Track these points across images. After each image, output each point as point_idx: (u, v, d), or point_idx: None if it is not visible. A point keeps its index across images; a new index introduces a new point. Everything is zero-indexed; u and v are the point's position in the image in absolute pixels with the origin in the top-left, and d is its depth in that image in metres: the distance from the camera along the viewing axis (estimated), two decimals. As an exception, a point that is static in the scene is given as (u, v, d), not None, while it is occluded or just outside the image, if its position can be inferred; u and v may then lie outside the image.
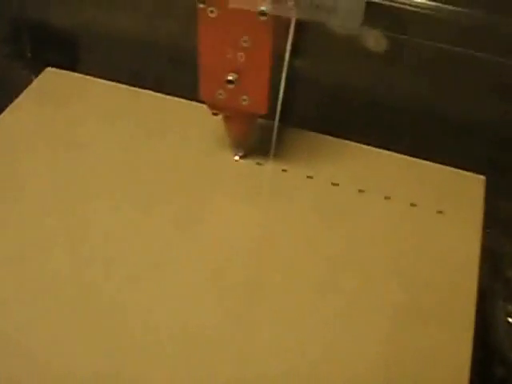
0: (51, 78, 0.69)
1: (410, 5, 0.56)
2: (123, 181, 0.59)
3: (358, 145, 0.64)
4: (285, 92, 0.54)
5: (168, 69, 0.71)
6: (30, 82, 0.68)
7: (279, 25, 0.51)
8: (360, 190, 0.59)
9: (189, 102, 0.65)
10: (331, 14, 0.48)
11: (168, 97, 0.67)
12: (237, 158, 0.62)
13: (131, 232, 0.54)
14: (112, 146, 0.62)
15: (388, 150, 0.63)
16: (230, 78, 0.53)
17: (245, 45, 0.52)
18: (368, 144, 0.63)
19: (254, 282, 0.52)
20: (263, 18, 0.50)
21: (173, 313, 0.49)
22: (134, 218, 0.56)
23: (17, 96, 0.66)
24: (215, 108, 0.58)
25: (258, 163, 0.61)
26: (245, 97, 0.55)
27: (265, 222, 0.57)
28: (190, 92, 0.59)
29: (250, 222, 0.57)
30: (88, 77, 0.69)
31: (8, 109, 0.65)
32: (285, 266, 0.53)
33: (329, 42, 0.62)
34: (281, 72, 0.54)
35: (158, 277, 0.51)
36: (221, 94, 0.55)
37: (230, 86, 0.54)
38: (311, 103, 0.68)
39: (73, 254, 0.52)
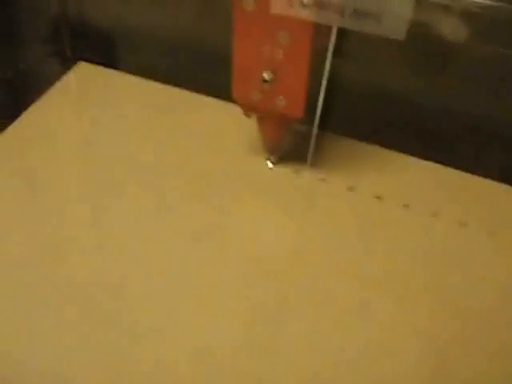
0: (83, 73, 0.67)
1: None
2: (149, 186, 0.56)
3: (403, 155, 0.60)
4: (325, 97, 0.50)
5: (207, 68, 0.67)
6: (64, 72, 0.67)
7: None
8: (405, 205, 0.55)
9: (225, 102, 0.62)
10: (376, 23, 0.44)
11: (204, 97, 0.65)
12: (270, 164, 0.58)
13: (152, 240, 0.52)
14: (140, 148, 0.60)
15: (431, 160, 0.60)
16: (265, 76, 0.50)
17: (282, 41, 0.48)
18: (412, 154, 0.60)
19: (283, 302, 0.49)
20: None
21: (190, 332, 0.46)
22: (156, 225, 0.53)
23: (49, 86, 0.65)
24: (248, 109, 0.54)
25: (295, 171, 0.58)
26: (280, 97, 0.51)
27: (298, 236, 0.54)
28: (227, 92, 0.55)
29: (282, 236, 0.54)
30: (121, 72, 0.67)
31: (36, 104, 0.63)
32: (316, 285, 0.49)
33: (373, 47, 0.59)
34: (319, 76, 0.51)
35: (179, 292, 0.48)
36: (255, 94, 0.52)
37: (266, 86, 0.50)
38: (352, 110, 0.64)
39: (89, 262, 0.50)
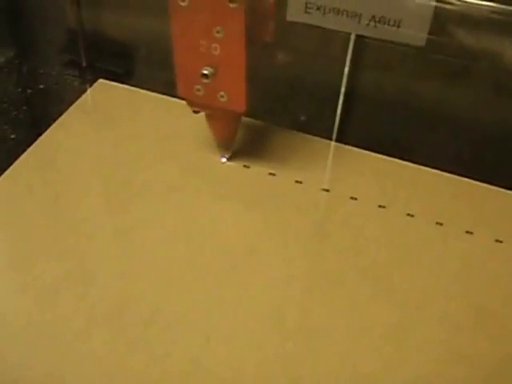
0: (103, 91, 0.66)
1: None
2: (174, 208, 0.55)
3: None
4: (342, 109, 0.49)
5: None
6: (84, 90, 0.67)
7: (254, 12, 0.47)
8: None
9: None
10: (395, 30, 0.42)
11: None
12: (223, 159, 0.58)
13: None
14: (162, 168, 0.58)
15: (451, 173, 0.58)
16: (204, 71, 0.50)
17: (218, 35, 0.48)
18: (434, 167, 0.58)
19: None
20: (233, 6, 0.46)
21: (224, 357, 0.44)
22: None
23: (70, 104, 0.64)
24: (195, 105, 0.54)
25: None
26: (222, 93, 0.51)
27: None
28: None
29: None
30: (140, 90, 0.66)
31: (56, 122, 0.63)
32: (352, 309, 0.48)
33: (391, 57, 0.56)
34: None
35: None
36: (198, 90, 0.52)
37: (206, 81, 0.50)
38: (370, 121, 0.62)
39: (117, 286, 0.49)
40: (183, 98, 0.54)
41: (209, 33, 0.48)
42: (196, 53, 0.49)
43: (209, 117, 0.56)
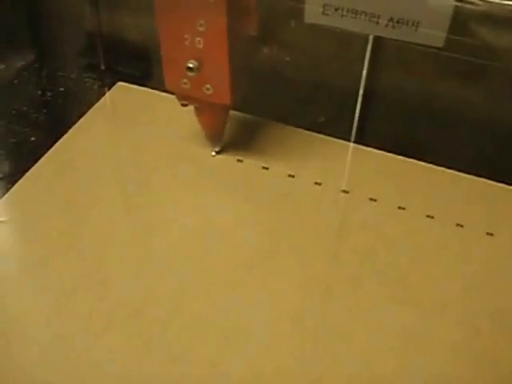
0: (121, 93, 0.66)
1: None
2: (193, 209, 0.55)
3: (449, 171, 0.58)
4: (361, 110, 0.49)
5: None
6: (103, 93, 0.67)
7: (236, 5, 0.48)
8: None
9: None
10: (413, 31, 0.42)
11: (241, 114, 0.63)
12: (213, 152, 0.59)
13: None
14: (180, 169, 0.58)
15: (471, 173, 0.58)
16: (189, 65, 0.51)
17: (201, 29, 0.49)
18: (454, 168, 0.58)
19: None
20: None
21: (243, 358, 0.44)
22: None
23: (89, 107, 0.65)
24: (182, 98, 0.55)
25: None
26: (208, 86, 0.52)
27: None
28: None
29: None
30: (159, 92, 0.66)
31: (76, 125, 0.63)
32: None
33: (409, 58, 0.56)
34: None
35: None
36: (185, 83, 0.52)
37: (191, 74, 0.51)
38: (389, 122, 0.62)
39: (135, 287, 0.49)
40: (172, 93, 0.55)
41: (192, 26, 0.49)
42: (181, 46, 0.50)
43: (197, 110, 0.56)
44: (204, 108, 0.55)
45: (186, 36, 0.50)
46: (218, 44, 0.49)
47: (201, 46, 0.50)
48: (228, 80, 0.51)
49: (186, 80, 0.52)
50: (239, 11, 0.49)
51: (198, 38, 0.49)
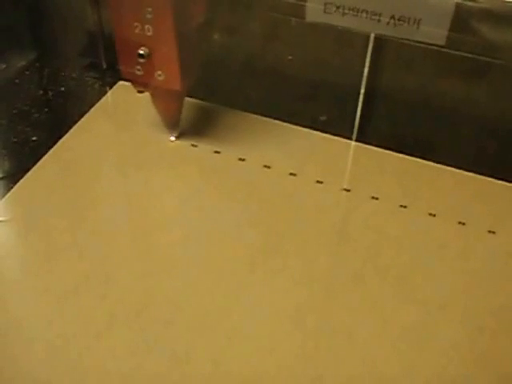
0: (123, 93, 0.66)
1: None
2: (195, 209, 0.55)
3: (451, 169, 0.58)
4: (362, 108, 0.49)
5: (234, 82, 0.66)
6: (104, 92, 0.67)
7: None
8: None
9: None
10: (415, 29, 0.42)
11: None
12: (172, 138, 0.60)
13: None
14: (182, 169, 0.58)
15: (473, 172, 0.57)
16: (140, 52, 0.53)
17: (149, 16, 0.50)
18: (456, 167, 0.58)
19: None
20: None
21: (245, 357, 0.44)
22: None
23: (90, 107, 0.65)
24: (137, 85, 0.56)
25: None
26: (159, 72, 0.54)
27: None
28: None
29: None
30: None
31: (77, 125, 0.63)
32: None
33: (411, 56, 0.56)
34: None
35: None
36: (139, 70, 0.54)
37: (142, 61, 0.53)
38: (391, 120, 0.62)
39: (136, 287, 0.49)
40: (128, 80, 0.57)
41: (141, 14, 0.50)
42: (132, 34, 0.52)
43: (152, 96, 0.58)
44: (158, 94, 0.57)
45: (135, 24, 0.51)
46: (166, 31, 0.51)
47: (150, 33, 0.51)
48: (177, 66, 0.53)
49: (139, 67, 0.54)
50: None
51: (147, 26, 0.51)
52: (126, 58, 0.54)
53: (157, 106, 0.59)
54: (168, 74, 0.53)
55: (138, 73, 0.54)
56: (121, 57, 0.54)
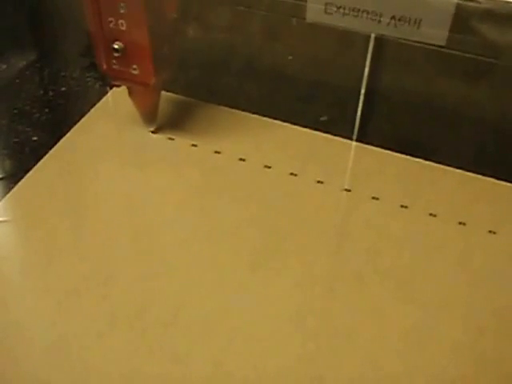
0: (123, 93, 0.65)
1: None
2: (197, 209, 0.55)
3: (452, 169, 0.58)
4: (363, 109, 0.49)
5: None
6: (105, 92, 0.67)
7: None
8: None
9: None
10: (415, 30, 0.42)
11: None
12: (150, 132, 0.61)
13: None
14: (184, 171, 0.58)
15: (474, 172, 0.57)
16: (115, 46, 0.53)
17: (122, 11, 0.51)
18: (457, 167, 0.58)
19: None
20: None
21: (246, 358, 0.44)
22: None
23: (91, 107, 0.65)
24: (114, 79, 0.57)
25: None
26: (134, 66, 0.54)
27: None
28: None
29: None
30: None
31: (78, 125, 0.63)
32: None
33: (412, 56, 0.56)
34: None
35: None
36: (115, 64, 0.55)
37: (117, 55, 0.54)
38: (392, 120, 0.62)
39: (136, 288, 0.49)
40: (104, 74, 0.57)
41: (115, 9, 0.51)
42: (107, 29, 0.53)
43: (129, 90, 0.59)
44: (134, 88, 0.58)
45: (110, 18, 0.52)
46: (139, 25, 0.52)
47: (124, 28, 0.52)
48: (151, 60, 0.53)
49: (114, 61, 0.54)
50: None
51: (120, 20, 0.52)
52: (102, 53, 0.55)
53: (133, 100, 0.59)
54: (142, 68, 0.54)
55: (114, 67, 0.55)
56: (97, 51, 0.55)
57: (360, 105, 0.50)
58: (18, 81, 0.69)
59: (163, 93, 0.61)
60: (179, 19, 0.56)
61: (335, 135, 0.60)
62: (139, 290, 0.48)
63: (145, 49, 0.53)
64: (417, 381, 0.43)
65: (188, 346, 0.45)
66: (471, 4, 0.46)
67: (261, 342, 0.45)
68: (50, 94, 0.67)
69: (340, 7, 0.44)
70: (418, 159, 0.58)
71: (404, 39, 0.45)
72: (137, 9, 0.50)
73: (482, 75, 0.56)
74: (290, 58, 0.61)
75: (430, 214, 0.53)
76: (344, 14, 0.44)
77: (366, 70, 0.49)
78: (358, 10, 0.44)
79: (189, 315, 0.46)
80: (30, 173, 0.57)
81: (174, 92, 0.65)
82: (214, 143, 0.60)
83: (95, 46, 0.55)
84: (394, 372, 0.43)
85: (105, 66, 0.56)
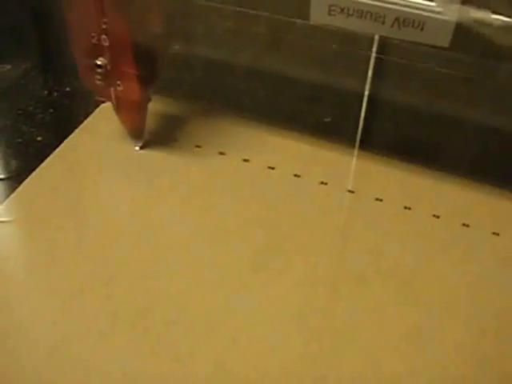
0: None
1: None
2: (197, 208, 0.55)
3: (455, 173, 0.58)
4: (366, 112, 0.49)
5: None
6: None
7: (137, 3, 0.50)
8: (464, 224, 0.53)
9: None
10: (418, 31, 0.42)
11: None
12: (137, 148, 0.60)
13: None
14: (187, 170, 0.58)
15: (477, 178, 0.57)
16: (98, 62, 0.53)
17: (105, 26, 0.50)
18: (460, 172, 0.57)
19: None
20: None
21: (249, 358, 0.44)
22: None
23: (95, 107, 0.65)
24: (98, 95, 0.57)
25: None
26: (119, 82, 0.54)
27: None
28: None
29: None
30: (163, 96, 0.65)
31: (82, 125, 0.63)
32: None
33: (415, 59, 0.56)
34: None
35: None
36: (99, 80, 0.54)
37: (100, 71, 0.53)
38: (394, 124, 0.62)
39: (139, 288, 0.49)
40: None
41: (97, 24, 0.50)
42: (90, 44, 0.52)
43: (115, 106, 0.57)
44: (120, 105, 0.57)
45: (92, 34, 0.51)
46: (121, 41, 0.51)
47: (107, 44, 0.51)
48: (135, 76, 0.53)
49: (98, 77, 0.53)
50: (140, 9, 0.51)
51: (103, 36, 0.51)
52: (85, 69, 0.54)
53: (119, 117, 0.58)
54: (126, 84, 0.53)
55: (98, 83, 0.54)
56: (80, 67, 0.55)
57: (363, 107, 0.50)
58: (22, 81, 0.69)
59: (165, 96, 0.61)
60: (165, 34, 0.56)
61: (339, 137, 0.60)
62: (142, 290, 0.48)
63: (129, 65, 0.52)
64: (418, 381, 0.43)
65: (190, 345, 0.45)
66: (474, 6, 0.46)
67: (263, 342, 0.45)
68: (55, 94, 0.67)
69: (344, 9, 0.44)
70: (421, 161, 0.58)
71: (408, 41, 0.45)
72: (120, 24, 0.50)
73: (487, 79, 0.56)
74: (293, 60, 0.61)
75: (434, 216, 0.53)
76: (348, 16, 0.44)
77: (370, 72, 0.49)
78: (362, 11, 0.44)
79: (191, 315, 0.46)
80: (34, 173, 0.57)
81: (176, 95, 0.65)
82: (218, 144, 0.60)
83: (77, 61, 0.54)
84: (396, 372, 0.43)
85: (88, 82, 0.55)
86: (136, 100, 0.55)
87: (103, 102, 0.57)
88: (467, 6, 0.43)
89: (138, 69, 0.52)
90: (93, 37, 0.51)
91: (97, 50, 0.52)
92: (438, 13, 0.42)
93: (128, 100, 0.55)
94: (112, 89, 0.54)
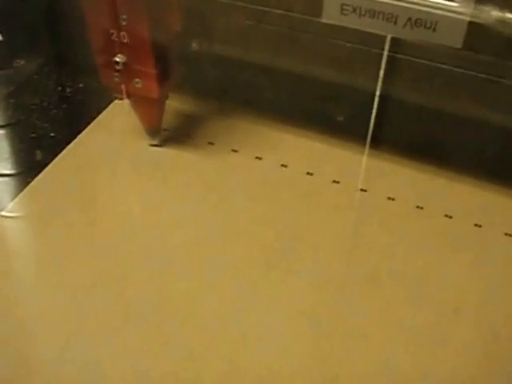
0: None
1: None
2: (211, 207, 0.55)
3: (468, 173, 0.57)
4: (377, 111, 0.49)
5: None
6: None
7: (156, 1, 0.50)
8: (476, 225, 0.53)
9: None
10: (431, 31, 0.42)
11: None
12: (155, 143, 0.60)
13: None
14: (201, 167, 0.58)
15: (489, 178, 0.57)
16: (116, 59, 0.53)
17: (124, 23, 0.50)
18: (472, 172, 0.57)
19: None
20: None
21: (260, 356, 0.44)
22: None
23: (108, 103, 0.65)
24: (116, 92, 0.56)
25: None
26: (137, 80, 0.54)
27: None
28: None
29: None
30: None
31: (95, 121, 0.64)
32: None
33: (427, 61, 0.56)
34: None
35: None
36: (117, 77, 0.54)
37: (119, 68, 0.53)
38: (406, 124, 0.62)
39: (151, 285, 0.49)
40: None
41: (116, 21, 0.50)
42: (109, 41, 0.52)
43: (132, 103, 0.57)
44: (138, 102, 0.57)
45: (111, 31, 0.51)
46: (141, 38, 0.51)
47: (126, 40, 0.51)
48: (154, 73, 0.53)
49: (117, 74, 0.53)
50: (161, 7, 0.51)
51: (122, 33, 0.51)
52: (104, 66, 0.54)
53: (137, 113, 0.58)
54: (145, 81, 0.53)
55: (116, 80, 0.54)
56: (99, 64, 0.55)
57: (375, 107, 0.50)
58: (36, 77, 0.69)
59: (179, 93, 0.61)
60: (183, 31, 0.55)
61: (351, 136, 0.60)
62: (154, 287, 0.48)
63: (149, 62, 0.52)
64: (429, 381, 0.43)
65: (202, 343, 0.45)
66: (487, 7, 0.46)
67: (275, 341, 0.45)
68: (68, 90, 0.67)
69: (356, 8, 0.44)
70: (433, 161, 0.58)
71: (420, 42, 0.45)
72: (139, 21, 0.50)
73: (501, 79, 0.55)
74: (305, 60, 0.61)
75: (446, 216, 0.53)
76: (360, 16, 0.44)
77: (381, 71, 0.49)
78: (374, 11, 0.43)
79: (203, 313, 0.47)
80: (47, 168, 0.57)
81: (190, 92, 0.65)
82: (231, 142, 0.60)
83: (96, 59, 0.54)
84: (406, 373, 0.43)
85: (107, 79, 0.55)
86: (154, 97, 0.55)
87: (121, 98, 0.57)
88: (488, 6, 0.42)
89: (156, 66, 0.52)
90: (112, 33, 0.51)
91: (116, 47, 0.52)
92: (457, 12, 0.41)
93: (146, 97, 0.55)
94: (130, 86, 0.54)
